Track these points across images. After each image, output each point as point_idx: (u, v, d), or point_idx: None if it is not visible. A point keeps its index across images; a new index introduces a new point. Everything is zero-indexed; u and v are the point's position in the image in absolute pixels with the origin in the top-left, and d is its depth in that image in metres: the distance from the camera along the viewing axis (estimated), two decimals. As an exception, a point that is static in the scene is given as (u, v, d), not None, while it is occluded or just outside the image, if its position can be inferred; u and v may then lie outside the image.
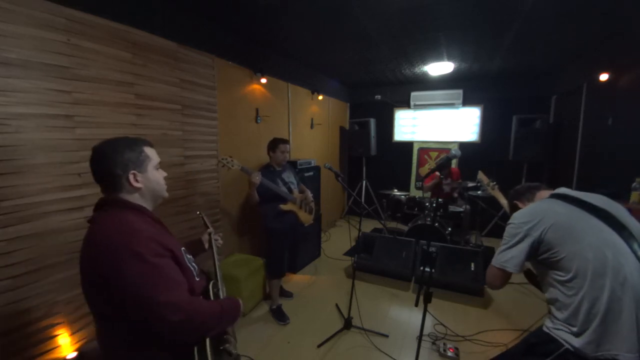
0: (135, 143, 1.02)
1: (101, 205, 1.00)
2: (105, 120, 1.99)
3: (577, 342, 1.09)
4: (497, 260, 1.26)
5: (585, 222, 1.15)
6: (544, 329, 1.21)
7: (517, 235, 1.21)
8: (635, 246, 1.09)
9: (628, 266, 1.05)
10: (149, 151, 1.05)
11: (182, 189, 2.57)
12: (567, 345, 1.11)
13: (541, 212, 1.21)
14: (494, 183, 2.17)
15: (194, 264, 1.14)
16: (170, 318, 0.86)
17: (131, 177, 0.98)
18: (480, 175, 2.36)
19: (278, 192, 2.60)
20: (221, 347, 1.04)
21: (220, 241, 1.51)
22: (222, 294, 1.21)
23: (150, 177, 1.04)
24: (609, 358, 1.03)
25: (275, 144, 2.72)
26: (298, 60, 4.04)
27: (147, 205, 1.06)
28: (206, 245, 1.46)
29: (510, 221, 1.28)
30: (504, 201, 1.87)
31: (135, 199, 1.02)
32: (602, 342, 1.04)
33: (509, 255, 1.23)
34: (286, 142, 2.74)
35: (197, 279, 1.10)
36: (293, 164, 3.53)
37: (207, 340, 0.98)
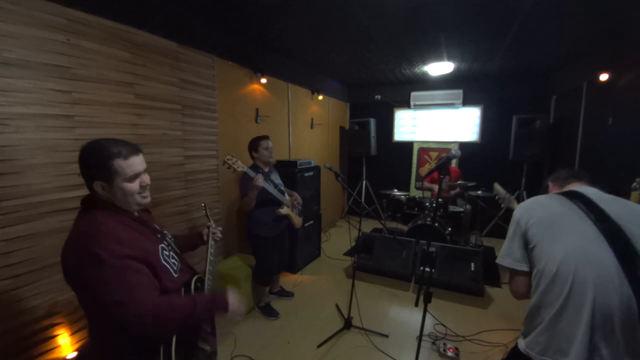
0: (109, 156, 0.99)
1: (82, 203, 1.06)
2: (105, 120, 1.99)
3: (522, 342, 1.11)
4: (498, 258, 1.23)
5: (571, 225, 1.07)
6: None
7: (511, 229, 1.20)
8: (633, 268, 0.94)
9: (601, 284, 0.95)
10: (121, 164, 1.00)
11: (182, 188, 2.57)
12: (518, 344, 1.13)
13: (536, 207, 1.18)
14: (510, 195, 2.00)
15: (174, 260, 1.16)
16: (126, 317, 0.91)
17: (96, 186, 1.01)
18: (497, 188, 2.08)
19: (275, 196, 2.52)
20: (197, 344, 1.11)
21: (219, 234, 1.53)
22: (207, 287, 1.24)
23: (117, 190, 1.02)
24: None
25: (255, 142, 2.57)
26: (298, 60, 4.04)
27: (124, 207, 1.06)
28: (205, 238, 1.49)
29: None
30: None
31: (110, 198, 1.04)
32: (547, 345, 1.03)
33: (504, 247, 1.21)
34: (267, 137, 2.61)
35: (176, 275, 1.13)
36: (293, 164, 3.53)
37: (174, 338, 1.02)
